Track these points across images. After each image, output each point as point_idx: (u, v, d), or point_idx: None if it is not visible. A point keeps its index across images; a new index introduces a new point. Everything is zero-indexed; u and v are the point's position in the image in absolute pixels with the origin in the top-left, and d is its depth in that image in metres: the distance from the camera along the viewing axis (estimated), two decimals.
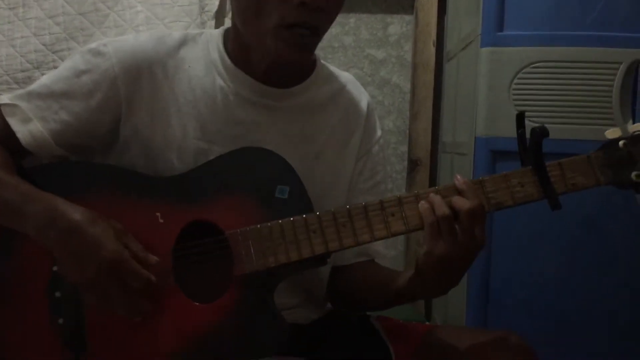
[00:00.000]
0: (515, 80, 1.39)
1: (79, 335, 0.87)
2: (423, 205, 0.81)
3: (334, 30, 2.11)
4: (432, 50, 2.06)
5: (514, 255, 1.42)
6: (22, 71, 1.88)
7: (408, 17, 2.12)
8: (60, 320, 0.87)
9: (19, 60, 1.90)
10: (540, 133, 0.81)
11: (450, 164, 1.82)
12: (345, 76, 1.07)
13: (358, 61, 2.12)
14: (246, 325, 0.85)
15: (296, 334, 0.97)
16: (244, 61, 0.94)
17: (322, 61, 1.03)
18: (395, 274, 0.96)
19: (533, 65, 1.38)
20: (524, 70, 1.39)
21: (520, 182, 0.82)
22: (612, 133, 0.82)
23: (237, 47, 0.95)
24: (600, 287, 1.39)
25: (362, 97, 1.06)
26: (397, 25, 2.12)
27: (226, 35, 0.97)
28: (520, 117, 0.84)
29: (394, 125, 2.14)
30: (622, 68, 1.35)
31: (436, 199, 0.81)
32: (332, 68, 1.06)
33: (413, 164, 2.10)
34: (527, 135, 0.84)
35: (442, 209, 0.80)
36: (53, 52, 1.88)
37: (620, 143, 0.81)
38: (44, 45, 1.89)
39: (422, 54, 2.06)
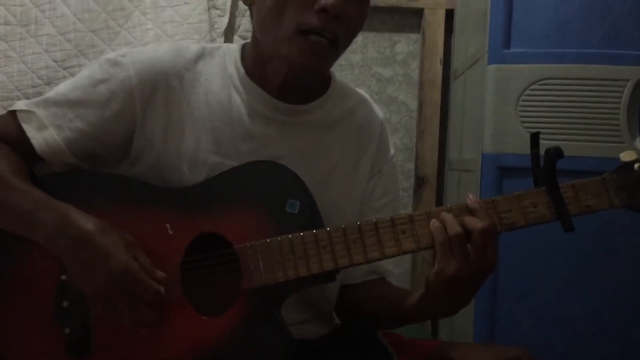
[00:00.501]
0: (523, 97, 1.40)
1: (84, 346, 0.87)
2: (434, 223, 0.81)
3: None
4: (439, 68, 2.07)
5: (521, 272, 1.41)
6: (33, 87, 1.90)
7: (415, 36, 2.13)
8: (67, 330, 0.87)
9: (30, 76, 1.92)
10: (555, 154, 0.80)
11: (457, 181, 1.82)
12: (360, 94, 1.07)
13: (365, 79, 2.13)
14: (253, 339, 0.84)
15: (304, 349, 0.96)
16: (260, 76, 0.95)
17: (337, 78, 1.04)
18: (405, 293, 0.95)
19: (540, 83, 1.39)
20: (531, 87, 1.39)
21: (533, 202, 0.81)
22: (626, 155, 0.81)
23: (253, 61, 0.96)
24: (610, 302, 1.39)
25: (376, 116, 1.07)
26: (404, 43, 2.14)
27: (243, 50, 0.98)
28: (535, 138, 0.83)
29: (400, 143, 2.14)
30: (630, 85, 1.35)
31: (448, 217, 0.81)
32: (347, 85, 1.06)
33: (420, 182, 2.10)
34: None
35: (454, 228, 0.80)
36: (64, 69, 1.90)
37: (636, 166, 0.80)
38: (55, 61, 1.91)
39: (429, 72, 2.07)
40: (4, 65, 1.91)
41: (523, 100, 1.40)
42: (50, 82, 1.89)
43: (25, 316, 0.89)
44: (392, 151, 1.08)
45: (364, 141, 1.03)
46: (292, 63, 0.89)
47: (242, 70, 0.96)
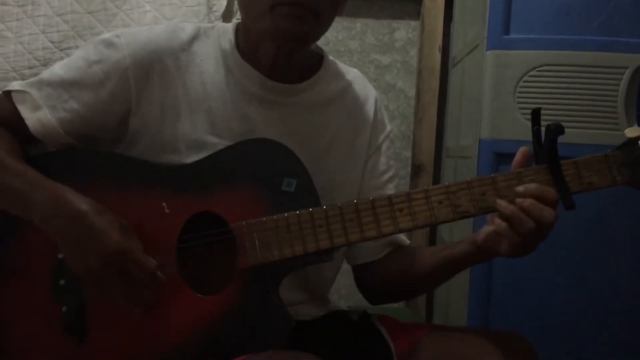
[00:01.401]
0: (521, 84, 1.39)
1: (80, 324, 0.87)
2: (502, 225, 0.81)
3: (340, 35, 2.12)
4: (438, 56, 2.06)
5: (515, 268, 1.41)
6: (30, 68, 1.89)
7: (414, 23, 2.12)
8: (64, 308, 0.87)
9: (27, 57, 1.90)
10: (555, 130, 0.80)
11: (454, 168, 1.82)
12: (353, 72, 1.07)
13: (364, 66, 2.12)
14: (249, 317, 0.85)
15: (298, 330, 0.96)
16: (253, 56, 0.95)
17: (330, 57, 1.04)
18: (441, 251, 0.95)
19: (538, 69, 1.38)
20: (529, 74, 1.39)
21: (534, 180, 0.81)
22: (632, 132, 0.81)
23: (245, 42, 0.95)
24: (604, 288, 1.39)
25: (370, 93, 1.07)
26: (403, 30, 2.13)
27: (237, 30, 0.98)
28: (536, 114, 0.82)
29: (398, 130, 2.14)
30: (628, 73, 1.35)
31: (518, 215, 0.79)
32: (340, 64, 1.06)
33: (416, 169, 2.09)
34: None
35: (528, 225, 0.79)
36: (61, 50, 1.89)
37: None
38: (51, 42, 1.90)
39: (428, 59, 2.07)
40: (0, 46, 1.90)
41: (521, 87, 1.39)
42: (46, 63, 1.88)
43: (24, 294, 0.89)
44: (388, 127, 1.08)
45: (359, 119, 1.03)
46: (274, 36, 0.88)
47: (235, 50, 0.96)
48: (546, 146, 0.81)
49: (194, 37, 0.96)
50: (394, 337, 0.99)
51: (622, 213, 1.37)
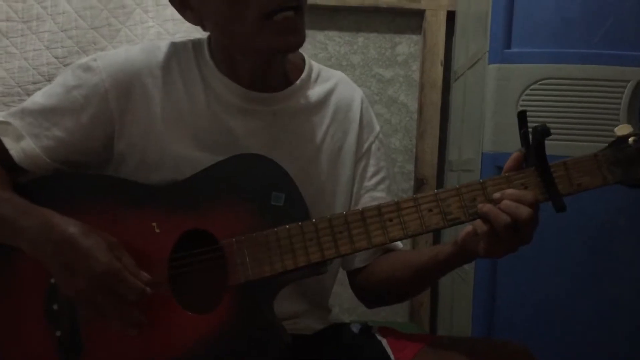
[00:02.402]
0: (523, 97, 1.40)
1: (76, 348, 0.86)
2: (482, 227, 0.80)
3: (342, 49, 2.13)
4: (440, 70, 2.07)
5: (520, 267, 1.41)
6: (34, 83, 1.90)
7: (416, 37, 2.14)
8: (58, 333, 0.87)
9: (31, 72, 1.92)
10: (542, 132, 0.78)
11: (456, 182, 1.80)
12: (337, 75, 1.05)
13: (366, 80, 2.13)
14: (243, 336, 0.84)
15: (299, 345, 0.96)
16: (230, 68, 0.94)
17: (311, 61, 1.02)
18: (427, 252, 0.95)
19: (540, 83, 1.39)
20: (531, 87, 1.39)
21: (523, 183, 0.80)
22: (621, 129, 0.78)
23: (221, 55, 0.95)
24: (609, 297, 1.38)
25: (355, 94, 1.05)
26: (405, 45, 2.14)
27: (210, 44, 0.97)
28: (522, 116, 0.81)
29: (400, 144, 2.14)
30: (630, 86, 1.35)
31: (488, 207, 0.79)
32: (323, 68, 1.04)
33: (419, 183, 2.09)
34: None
35: (502, 218, 0.77)
36: (65, 65, 1.90)
37: (630, 140, 0.77)
38: (56, 58, 1.91)
39: (430, 73, 2.08)
40: (5, 62, 1.91)
41: (523, 100, 1.40)
42: (50, 79, 1.89)
43: (17, 320, 0.88)
44: (377, 128, 1.06)
45: (346, 122, 1.02)
46: (272, 49, 0.88)
47: (212, 64, 0.95)
48: (534, 148, 0.79)
49: (171, 54, 0.95)
50: (396, 348, 0.98)
51: (627, 223, 1.37)
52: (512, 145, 1.39)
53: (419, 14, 2.09)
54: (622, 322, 1.38)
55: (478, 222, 0.81)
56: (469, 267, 1.47)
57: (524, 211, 0.77)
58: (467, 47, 1.78)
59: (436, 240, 2.06)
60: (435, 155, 2.08)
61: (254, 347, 0.84)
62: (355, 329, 1.04)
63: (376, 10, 2.10)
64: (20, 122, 0.92)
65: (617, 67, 1.36)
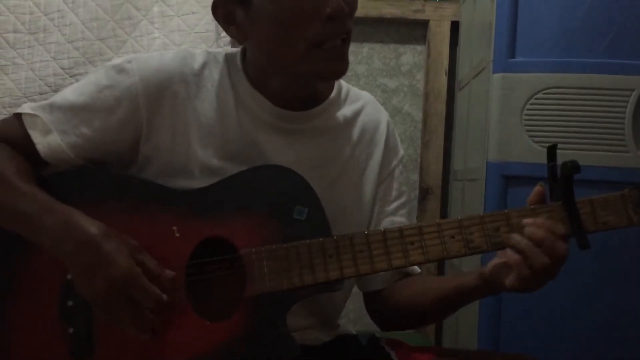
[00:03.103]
0: (527, 106, 1.40)
1: (88, 346, 0.86)
2: (514, 257, 0.79)
3: None
4: (444, 79, 2.08)
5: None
6: (40, 94, 1.91)
7: (420, 48, 2.14)
8: (71, 330, 0.87)
9: (38, 83, 1.93)
10: (572, 168, 0.78)
11: (461, 192, 1.81)
12: (365, 96, 1.06)
13: (370, 90, 2.13)
14: (255, 346, 0.83)
15: (307, 356, 0.95)
16: (263, 84, 0.94)
17: (340, 81, 1.02)
18: (449, 282, 0.94)
19: (545, 92, 1.39)
20: (535, 96, 1.39)
21: (549, 217, 0.80)
22: None
23: (255, 70, 0.95)
24: (615, 311, 1.37)
25: (382, 117, 1.05)
26: (410, 55, 2.15)
27: (244, 57, 0.97)
28: (553, 150, 0.81)
29: (405, 154, 2.14)
30: (635, 95, 1.35)
31: (527, 246, 0.78)
32: (352, 88, 1.05)
33: (424, 193, 2.09)
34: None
35: (538, 256, 0.78)
36: (71, 76, 1.92)
37: None
38: (62, 68, 1.92)
39: (434, 83, 2.08)
40: (12, 72, 1.93)
41: (528, 109, 1.40)
42: (57, 89, 1.90)
43: (31, 315, 0.89)
44: (401, 152, 1.07)
45: (371, 144, 1.02)
46: (319, 77, 0.89)
47: (244, 77, 0.95)
48: (561, 183, 0.79)
49: (204, 64, 0.96)
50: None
51: (634, 232, 1.36)
52: (517, 154, 1.40)
53: (423, 25, 2.10)
54: (630, 333, 1.37)
55: (510, 254, 0.80)
56: None
57: (561, 248, 0.78)
58: (471, 56, 1.78)
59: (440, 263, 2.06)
60: (440, 165, 2.08)
61: (266, 357, 0.83)
62: (363, 340, 1.04)
63: (380, 21, 2.11)
64: (49, 116, 0.92)
65: (622, 76, 1.35)
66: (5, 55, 1.93)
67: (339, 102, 1.00)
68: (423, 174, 2.10)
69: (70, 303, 0.87)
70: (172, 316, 0.85)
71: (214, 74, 0.95)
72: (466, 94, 1.82)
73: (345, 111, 1.01)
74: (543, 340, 1.39)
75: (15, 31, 1.94)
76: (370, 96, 1.08)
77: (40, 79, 1.93)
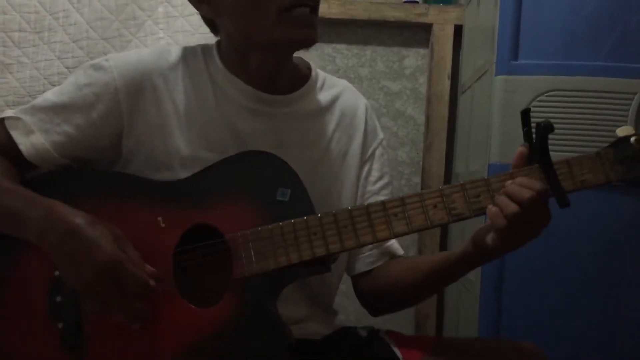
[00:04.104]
0: (530, 109, 1.40)
1: (78, 340, 0.87)
2: (491, 209, 0.81)
3: (350, 62, 2.14)
4: (447, 83, 2.08)
5: (527, 269, 1.40)
6: (44, 92, 1.92)
7: (423, 51, 2.15)
8: (60, 325, 0.87)
9: (42, 82, 1.94)
10: (545, 128, 0.80)
11: None
12: (342, 83, 1.09)
13: (373, 92, 2.14)
14: (246, 330, 0.84)
15: (307, 349, 0.96)
16: (241, 69, 0.96)
17: (317, 69, 1.05)
18: (440, 256, 0.95)
19: (547, 94, 1.39)
20: (538, 99, 1.40)
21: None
22: (623, 131, 0.82)
23: (232, 57, 0.97)
24: (615, 308, 1.38)
25: (360, 102, 1.08)
26: (413, 58, 2.16)
27: (219, 47, 0.99)
28: (526, 114, 0.83)
29: (407, 157, 2.15)
30: (637, 98, 1.35)
31: (502, 199, 0.80)
32: (328, 76, 1.08)
33: None
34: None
35: (511, 207, 0.79)
36: None
37: (632, 139, 0.80)
38: (66, 68, 1.93)
39: (437, 86, 2.09)
40: (16, 71, 1.94)
41: (530, 112, 1.40)
42: None
43: (20, 312, 0.89)
44: (381, 135, 1.09)
45: (351, 128, 1.04)
46: (288, 42, 0.91)
47: (222, 65, 0.97)
48: (537, 145, 0.81)
49: (181, 57, 0.98)
50: (404, 349, 0.98)
51: (634, 230, 1.36)
52: None
53: (427, 28, 2.11)
54: (631, 331, 1.37)
55: (488, 209, 0.81)
56: (474, 278, 1.47)
57: (528, 193, 0.78)
58: (474, 60, 1.79)
59: (443, 247, 2.06)
60: (442, 168, 2.09)
61: (257, 341, 0.84)
62: (362, 333, 1.05)
63: (384, 24, 2.11)
64: (31, 117, 0.94)
65: (624, 79, 1.36)
66: (10, 53, 1.94)
67: (317, 88, 1.03)
68: (425, 176, 2.10)
69: (58, 299, 0.88)
70: (162, 305, 0.85)
71: (191, 66, 0.97)
72: (469, 97, 1.83)
73: (324, 96, 1.03)
74: (544, 334, 1.39)
75: (20, 30, 1.95)
76: (347, 83, 1.10)
77: (44, 78, 1.94)
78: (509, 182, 0.81)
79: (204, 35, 1.92)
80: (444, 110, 2.08)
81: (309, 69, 1.04)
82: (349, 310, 1.79)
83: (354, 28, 2.14)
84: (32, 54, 1.95)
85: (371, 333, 1.05)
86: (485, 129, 1.49)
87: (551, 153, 0.82)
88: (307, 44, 0.93)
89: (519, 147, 0.84)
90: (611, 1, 1.38)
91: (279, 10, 0.88)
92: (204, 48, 1.00)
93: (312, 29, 0.91)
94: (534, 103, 1.40)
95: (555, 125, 1.36)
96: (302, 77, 1.02)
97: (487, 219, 0.83)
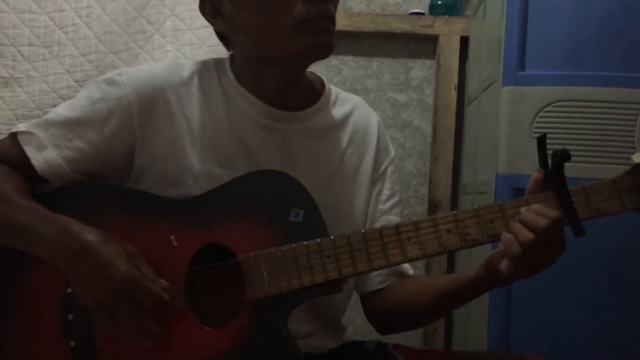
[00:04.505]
0: (537, 119, 1.40)
1: (89, 359, 0.86)
2: (506, 236, 0.79)
3: (356, 73, 2.15)
4: (454, 94, 2.08)
5: (536, 281, 1.38)
6: (54, 106, 1.92)
7: (430, 62, 2.15)
8: (72, 343, 0.87)
9: (51, 95, 1.96)
10: (562, 155, 0.79)
11: (471, 205, 1.80)
12: (354, 99, 1.08)
13: (380, 104, 2.15)
14: (257, 351, 0.83)
15: None
16: (254, 84, 0.96)
17: (330, 85, 1.05)
18: (452, 278, 0.94)
19: (554, 105, 1.39)
20: (545, 109, 1.40)
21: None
22: (639, 157, 0.81)
23: (245, 72, 0.96)
24: (625, 321, 1.36)
25: (372, 119, 1.07)
26: (419, 69, 2.16)
27: (232, 62, 0.99)
28: (542, 141, 0.82)
29: (414, 168, 2.15)
30: None
31: (516, 226, 0.79)
32: (341, 92, 1.07)
33: (433, 206, 2.09)
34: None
35: (526, 234, 0.78)
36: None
37: None
38: (75, 81, 1.95)
39: (444, 97, 2.09)
40: (26, 85, 1.96)
41: (537, 122, 1.40)
42: None
43: (32, 329, 0.89)
44: (392, 152, 1.08)
45: (363, 145, 1.03)
46: (305, 51, 0.90)
47: (235, 80, 0.96)
48: (553, 172, 0.80)
49: (194, 72, 0.97)
50: None
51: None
52: (527, 167, 1.40)
53: (433, 39, 2.11)
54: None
55: (503, 237, 0.80)
56: None
57: (544, 221, 0.77)
58: (480, 71, 1.79)
59: (450, 267, 2.05)
60: (449, 179, 2.09)
61: None
62: (370, 347, 1.04)
63: (390, 36, 2.12)
64: (44, 132, 0.93)
65: (631, 90, 1.36)
66: (20, 67, 1.96)
67: (330, 104, 1.02)
68: (432, 187, 2.10)
69: (70, 317, 0.87)
70: (173, 324, 0.85)
71: (204, 80, 0.97)
72: (475, 107, 1.83)
73: (337, 113, 1.02)
74: (554, 347, 1.38)
75: (30, 44, 1.97)
76: (360, 99, 1.09)
77: (54, 92, 1.95)
78: (524, 208, 0.80)
79: (212, 48, 1.93)
80: (450, 121, 2.09)
81: (323, 84, 1.03)
82: (356, 322, 1.78)
83: (361, 40, 2.14)
84: (42, 67, 1.97)
85: (379, 347, 1.04)
86: (492, 139, 1.49)
87: (560, 147, 0.81)
88: (324, 51, 0.91)
89: (534, 172, 0.83)
90: (617, 11, 1.38)
91: (295, 22, 0.87)
92: (217, 62, 0.99)
93: (328, 39, 0.90)
94: (541, 114, 1.40)
95: (562, 136, 1.39)
96: (315, 92, 1.01)
97: (501, 245, 0.82)
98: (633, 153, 1.33)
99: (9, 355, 0.89)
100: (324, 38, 0.89)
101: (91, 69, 1.93)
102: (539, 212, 0.78)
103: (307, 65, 0.96)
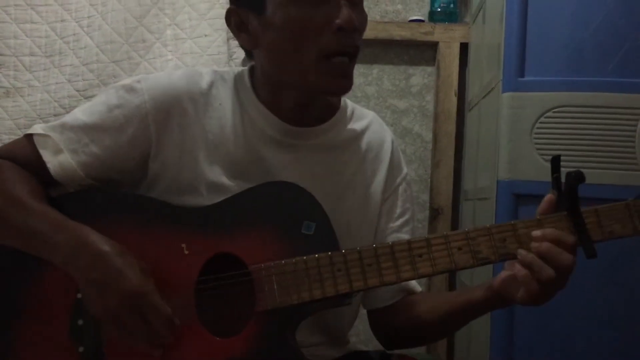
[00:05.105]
0: (537, 125, 1.40)
1: None
2: (521, 271, 0.80)
3: (357, 80, 2.14)
4: (454, 100, 2.09)
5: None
6: (55, 115, 1.94)
7: (430, 69, 2.16)
8: (81, 349, 0.87)
9: (53, 105, 1.96)
10: (576, 178, 0.78)
11: (472, 211, 1.81)
12: (370, 115, 1.08)
13: (380, 111, 2.15)
14: None
15: None
16: (270, 100, 0.96)
17: (346, 99, 1.05)
18: (458, 296, 0.94)
19: (554, 110, 1.39)
20: (545, 115, 1.40)
21: (554, 227, 0.80)
22: None
23: (264, 87, 0.96)
24: (627, 332, 1.36)
25: (386, 135, 1.07)
26: (419, 76, 2.17)
27: (252, 74, 0.99)
28: (556, 161, 0.81)
29: (415, 174, 2.15)
30: None
31: (537, 263, 0.78)
32: (357, 107, 1.07)
33: (434, 213, 2.09)
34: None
35: (547, 273, 0.78)
36: (85, 98, 1.95)
37: None
38: (77, 90, 1.96)
39: (444, 104, 2.09)
40: (27, 94, 1.97)
41: (538, 128, 1.40)
42: (71, 111, 1.93)
43: (42, 333, 0.89)
44: (405, 170, 1.08)
45: (376, 161, 1.03)
46: (323, 89, 0.91)
47: (253, 94, 0.97)
48: (566, 193, 0.80)
49: (212, 82, 0.97)
50: None
51: None
52: (528, 173, 1.40)
53: (433, 46, 2.12)
54: None
55: (518, 268, 0.80)
56: None
57: (566, 259, 0.78)
58: (480, 77, 1.80)
59: (452, 280, 2.05)
60: (450, 185, 2.09)
61: None
62: (374, 356, 1.04)
63: (390, 43, 2.13)
64: (60, 136, 0.93)
65: (632, 95, 1.36)
66: (21, 77, 1.97)
67: (345, 120, 1.02)
68: (433, 194, 2.10)
69: (80, 322, 0.88)
70: (182, 333, 0.85)
71: (222, 92, 0.97)
72: (476, 114, 1.83)
73: (352, 128, 1.02)
74: (557, 351, 1.37)
75: (31, 54, 1.98)
76: (375, 115, 1.09)
77: (55, 101, 1.96)
78: (538, 232, 0.80)
79: (213, 57, 1.94)
80: (451, 127, 2.09)
81: (339, 99, 1.03)
82: (359, 328, 1.77)
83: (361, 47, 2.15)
84: (43, 77, 1.98)
85: (383, 356, 1.03)
86: (493, 145, 1.49)
87: (574, 169, 0.80)
88: (340, 93, 0.93)
89: (547, 194, 0.82)
90: (617, 17, 1.38)
91: (319, 55, 0.87)
92: (236, 74, 0.99)
93: (348, 79, 0.90)
94: (541, 119, 1.40)
95: (563, 141, 1.39)
96: (331, 107, 1.01)
97: (506, 265, 0.82)
98: (634, 159, 1.35)
99: (18, 358, 0.89)
100: (341, 82, 0.90)
101: (92, 78, 1.94)
102: (557, 241, 0.78)
103: (324, 98, 0.97)
